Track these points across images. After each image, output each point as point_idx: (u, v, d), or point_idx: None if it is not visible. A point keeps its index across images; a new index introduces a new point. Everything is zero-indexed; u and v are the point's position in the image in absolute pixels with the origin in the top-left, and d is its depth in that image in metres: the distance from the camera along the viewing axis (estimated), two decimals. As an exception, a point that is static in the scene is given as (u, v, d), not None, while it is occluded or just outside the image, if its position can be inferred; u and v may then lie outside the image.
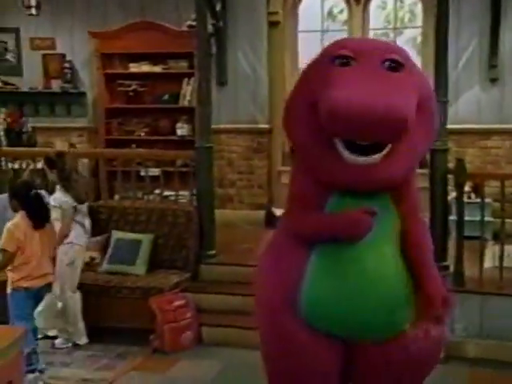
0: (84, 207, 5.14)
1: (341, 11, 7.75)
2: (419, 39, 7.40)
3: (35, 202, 4.35)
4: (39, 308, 4.78)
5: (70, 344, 4.92)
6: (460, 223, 4.86)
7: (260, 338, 3.14)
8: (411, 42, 7.64)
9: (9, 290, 4.27)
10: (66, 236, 4.90)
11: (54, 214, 4.76)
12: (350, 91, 2.52)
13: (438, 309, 2.74)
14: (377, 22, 7.55)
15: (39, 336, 4.71)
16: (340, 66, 2.65)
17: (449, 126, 5.03)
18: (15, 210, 4.38)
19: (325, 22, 7.68)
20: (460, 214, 4.85)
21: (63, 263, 4.83)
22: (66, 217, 4.92)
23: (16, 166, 6.76)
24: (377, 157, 2.59)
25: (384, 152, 2.60)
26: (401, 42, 7.53)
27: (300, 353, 2.90)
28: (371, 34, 7.35)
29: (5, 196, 5.44)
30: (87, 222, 5.15)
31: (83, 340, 4.93)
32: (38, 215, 4.32)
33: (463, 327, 4.64)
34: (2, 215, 4.97)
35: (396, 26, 7.61)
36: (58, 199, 4.95)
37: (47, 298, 4.69)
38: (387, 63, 2.63)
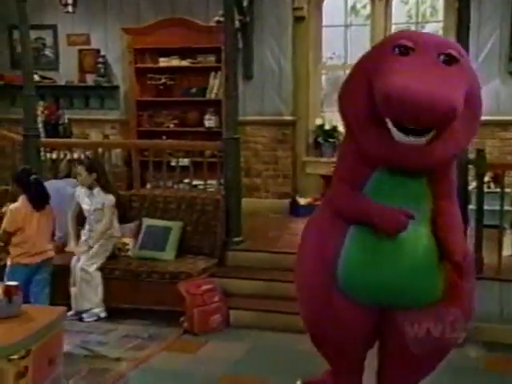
0: None
1: (364, 6, 7.67)
2: (440, 33, 7.30)
3: (35, 187, 4.63)
4: (73, 288, 5.02)
5: (95, 318, 5.03)
6: (480, 212, 4.81)
7: (302, 306, 3.26)
8: (433, 35, 7.56)
9: (8, 264, 4.59)
10: (107, 230, 5.21)
11: (98, 216, 5.19)
12: (406, 78, 2.64)
13: (459, 260, 2.82)
14: (399, 16, 7.46)
15: (71, 313, 4.90)
16: (399, 55, 2.77)
17: (469, 118, 4.99)
18: (16, 195, 4.65)
19: (348, 16, 7.61)
20: (480, 204, 4.81)
21: (101, 250, 5.16)
22: (108, 214, 5.21)
23: (54, 156, 6.86)
24: (423, 139, 2.69)
25: (430, 136, 2.70)
26: (423, 35, 7.48)
27: (338, 320, 3.04)
28: (393, 29, 7.27)
29: (55, 181, 5.91)
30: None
31: (103, 314, 5.07)
32: (38, 198, 4.61)
33: (481, 312, 4.61)
34: (54, 199, 5.11)
35: (418, 20, 7.53)
36: (100, 200, 5.21)
37: (78, 278, 5.01)
38: (442, 57, 2.74)
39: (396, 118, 2.68)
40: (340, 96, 2.97)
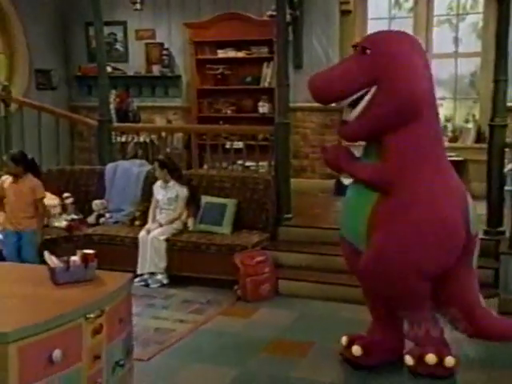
0: None
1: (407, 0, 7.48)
2: (480, 24, 7.05)
3: (34, 165, 5.00)
4: (141, 255, 5.14)
5: (159, 284, 5.12)
6: (515, 193, 4.68)
7: None
8: (473, 26, 7.29)
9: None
10: (176, 219, 5.37)
11: (170, 205, 5.37)
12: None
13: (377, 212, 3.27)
14: (440, 8, 7.23)
15: (138, 279, 5.03)
16: (362, 54, 3.24)
17: (507, 104, 4.83)
18: (14, 173, 4.85)
19: (392, 9, 7.43)
20: (515, 185, 4.68)
21: (169, 228, 5.29)
22: (181, 205, 5.39)
23: (123, 139, 6.97)
24: (348, 117, 3.26)
25: (355, 113, 3.20)
26: (463, 27, 7.24)
27: (345, 256, 3.65)
28: (435, 21, 7.06)
29: (123, 162, 6.09)
30: None
31: (166, 281, 5.15)
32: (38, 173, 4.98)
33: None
34: (122, 177, 5.55)
35: (458, 12, 7.28)
36: (174, 191, 5.38)
37: (148, 246, 5.15)
38: (361, 49, 3.18)
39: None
40: None
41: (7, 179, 4.93)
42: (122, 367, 2.77)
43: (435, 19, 7.15)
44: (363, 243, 3.33)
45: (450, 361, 3.32)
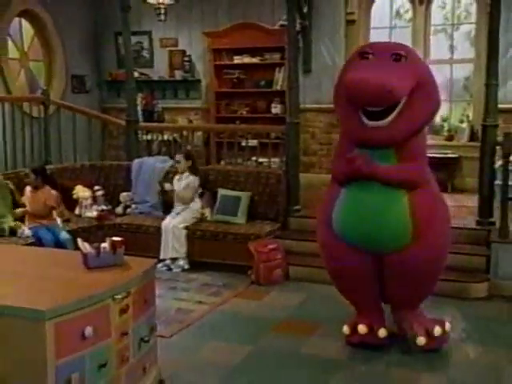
0: None
1: (406, 10, 7.39)
2: (473, 33, 6.97)
3: (52, 178, 5.28)
4: (164, 242, 5.17)
5: (180, 268, 5.13)
6: (505, 186, 4.62)
7: (322, 258, 3.62)
8: (466, 35, 7.21)
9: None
10: (190, 201, 5.38)
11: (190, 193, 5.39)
12: (356, 72, 2.98)
13: (421, 219, 3.13)
14: (437, 19, 7.16)
15: (161, 265, 5.06)
16: (361, 59, 3.11)
17: (498, 106, 4.77)
18: (36, 186, 5.03)
19: (393, 20, 7.35)
20: (505, 179, 4.61)
21: (188, 217, 5.30)
22: (193, 191, 5.39)
23: (149, 137, 6.99)
24: (381, 122, 3.00)
25: (387, 120, 2.99)
26: (457, 35, 7.16)
27: (339, 259, 3.39)
28: (432, 30, 6.99)
29: (149, 158, 6.12)
30: None
31: (187, 266, 5.16)
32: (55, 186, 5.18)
33: (505, 271, 4.47)
34: (147, 172, 5.50)
35: (453, 22, 7.19)
36: (187, 181, 5.39)
37: (170, 234, 5.16)
38: (393, 56, 3.04)
39: (352, 101, 3.00)
40: (333, 93, 3.33)
41: (27, 189, 5.12)
42: (147, 343, 2.80)
43: (432, 28, 7.07)
44: (394, 243, 3.17)
45: (448, 325, 3.47)
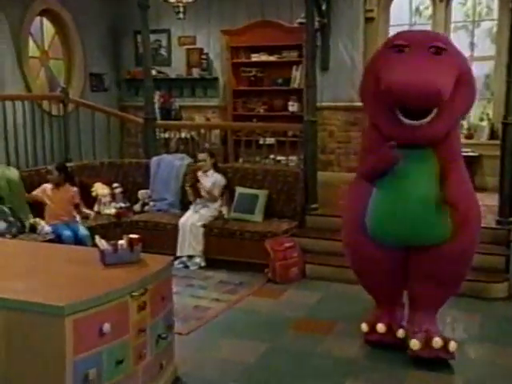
0: None
1: (426, 7, 7.30)
2: (494, 30, 6.85)
3: (72, 175, 5.42)
4: (181, 239, 5.18)
5: (197, 266, 5.14)
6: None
7: (346, 255, 3.52)
8: (487, 32, 7.10)
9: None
10: (215, 200, 5.39)
11: (216, 191, 5.41)
12: (400, 71, 2.79)
13: (460, 213, 3.02)
14: (457, 15, 7.05)
15: (178, 262, 5.07)
16: (397, 52, 2.92)
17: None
18: (58, 183, 5.14)
19: (413, 17, 7.27)
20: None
21: (206, 215, 5.32)
22: (218, 190, 5.42)
23: (166, 135, 7.02)
24: (423, 121, 2.87)
25: (429, 118, 2.86)
26: (478, 32, 7.05)
27: (369, 258, 3.28)
28: (452, 27, 6.89)
29: (166, 155, 6.13)
30: None
31: (203, 263, 5.17)
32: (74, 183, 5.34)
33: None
34: (165, 169, 5.53)
35: (474, 19, 7.08)
36: (212, 179, 5.41)
37: (188, 231, 5.19)
38: (432, 49, 2.87)
39: (396, 104, 2.84)
40: (359, 89, 3.19)
41: (47, 187, 5.17)
42: (165, 340, 2.81)
43: (452, 25, 6.97)
44: (433, 238, 3.09)
45: (453, 345, 3.23)
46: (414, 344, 3.21)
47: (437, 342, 3.20)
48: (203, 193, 5.41)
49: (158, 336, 2.74)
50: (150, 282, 2.69)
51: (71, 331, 2.28)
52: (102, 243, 2.89)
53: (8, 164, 5.65)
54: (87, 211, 5.38)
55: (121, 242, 2.86)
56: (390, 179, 3.06)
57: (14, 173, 5.30)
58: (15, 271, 2.76)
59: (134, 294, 2.56)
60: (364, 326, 3.51)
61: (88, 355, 2.34)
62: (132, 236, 2.89)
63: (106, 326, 2.39)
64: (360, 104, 7.55)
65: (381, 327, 3.40)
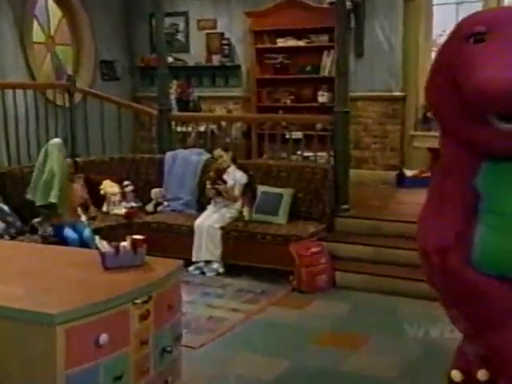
0: None
1: (476, -17, 7.11)
2: (556, 7, 6.63)
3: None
4: (196, 243, 5.17)
5: (215, 272, 5.11)
6: None
7: (433, 282, 2.86)
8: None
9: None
10: (236, 200, 5.35)
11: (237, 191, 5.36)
12: (492, 68, 2.33)
13: None
14: (513, -9, 6.86)
15: (193, 268, 5.08)
16: (476, 43, 2.44)
17: None
18: (72, 180, 5.23)
19: (460, -6, 7.11)
20: None
21: (226, 216, 5.29)
22: (240, 188, 5.38)
23: (184, 129, 6.99)
24: None
25: None
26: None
27: (473, 292, 2.69)
28: (505, 2, 6.68)
29: (183, 150, 6.16)
30: None
31: (221, 269, 5.14)
32: None
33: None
34: (181, 165, 5.57)
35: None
36: (233, 176, 5.38)
37: (204, 234, 5.17)
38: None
39: (496, 110, 2.38)
40: (427, 91, 2.71)
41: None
42: (170, 354, 2.75)
43: (506, 1, 6.75)
44: None
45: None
46: (455, 375, 2.80)
47: (482, 375, 2.83)
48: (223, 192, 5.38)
49: (163, 349, 2.68)
50: (154, 288, 2.64)
51: (63, 342, 2.24)
52: (103, 245, 2.85)
53: (9, 159, 5.70)
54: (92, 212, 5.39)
55: (123, 243, 2.82)
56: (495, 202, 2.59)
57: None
58: (7, 275, 2.74)
59: (136, 301, 2.51)
60: (456, 375, 3.09)
61: (82, 369, 2.29)
62: (136, 237, 2.84)
63: (104, 337, 2.34)
64: (399, 94, 7.43)
65: (482, 374, 3.04)
